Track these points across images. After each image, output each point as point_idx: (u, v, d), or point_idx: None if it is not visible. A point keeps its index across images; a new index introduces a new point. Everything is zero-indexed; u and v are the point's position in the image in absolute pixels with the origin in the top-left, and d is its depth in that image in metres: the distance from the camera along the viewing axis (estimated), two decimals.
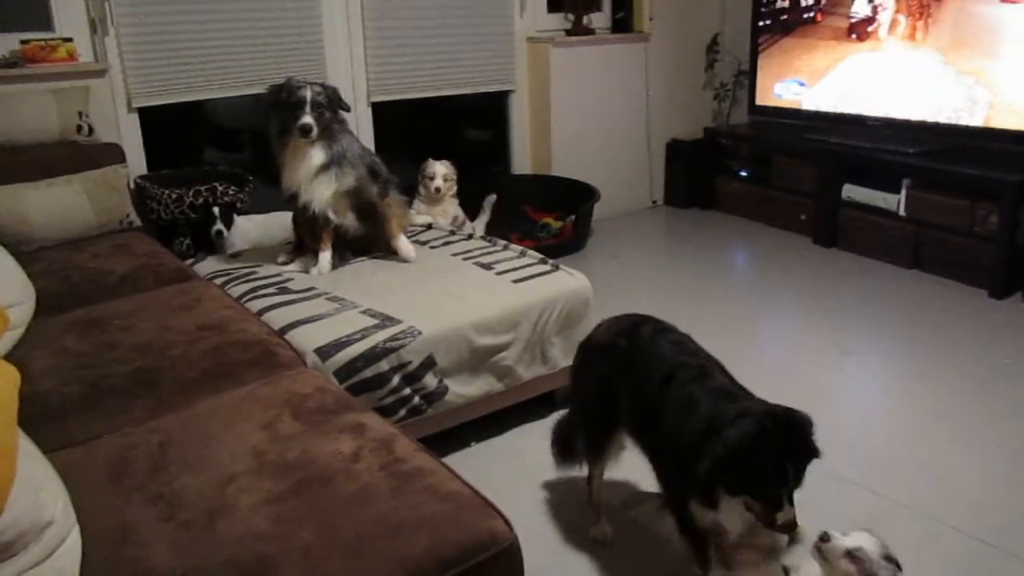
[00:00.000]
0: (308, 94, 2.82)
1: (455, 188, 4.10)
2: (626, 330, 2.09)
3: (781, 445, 1.66)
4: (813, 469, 1.74)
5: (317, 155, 2.87)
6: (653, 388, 1.90)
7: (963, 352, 3.30)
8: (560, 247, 4.29)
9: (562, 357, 2.78)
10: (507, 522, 1.50)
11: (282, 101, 2.84)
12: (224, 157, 4.28)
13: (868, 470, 2.53)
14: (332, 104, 2.90)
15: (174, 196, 3.38)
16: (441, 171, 4.02)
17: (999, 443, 2.68)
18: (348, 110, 3.01)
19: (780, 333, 3.62)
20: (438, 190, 4.01)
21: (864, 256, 4.42)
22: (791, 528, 1.71)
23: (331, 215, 2.94)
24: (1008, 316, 3.66)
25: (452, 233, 3.32)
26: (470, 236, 3.27)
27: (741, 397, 1.81)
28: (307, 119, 2.80)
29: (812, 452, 1.71)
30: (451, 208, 4.09)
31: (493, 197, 4.39)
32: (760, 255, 4.62)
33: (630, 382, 2.00)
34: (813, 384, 3.08)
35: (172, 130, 3.94)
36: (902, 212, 4.21)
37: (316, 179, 2.88)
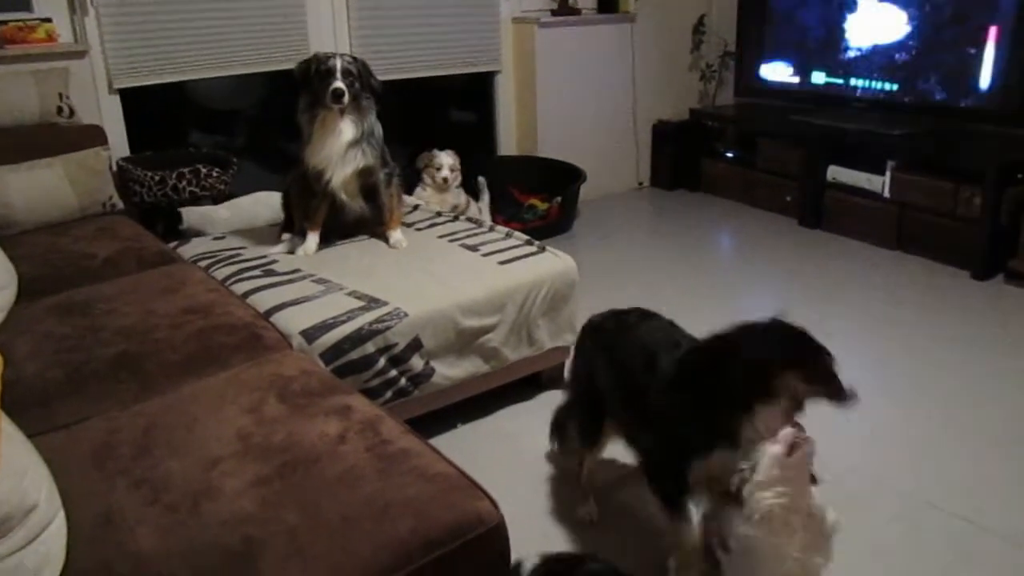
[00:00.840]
0: (339, 63, 2.80)
1: (459, 178, 4.12)
2: (621, 317, 2.11)
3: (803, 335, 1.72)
4: None
5: (348, 130, 2.86)
6: (639, 370, 1.90)
7: (945, 333, 3.33)
8: (546, 229, 4.29)
9: (548, 339, 2.78)
10: (493, 502, 1.50)
11: (312, 73, 2.82)
12: (208, 139, 4.25)
13: (849, 450, 2.55)
14: (362, 75, 2.88)
15: (157, 179, 3.35)
16: (447, 162, 4.05)
17: (980, 422, 2.71)
18: (379, 85, 2.97)
19: (765, 313, 3.63)
20: (445, 180, 4.03)
21: (848, 237, 4.45)
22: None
23: (342, 194, 2.93)
24: (990, 298, 3.70)
25: (438, 215, 3.31)
26: (478, 222, 3.24)
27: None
28: (339, 83, 2.77)
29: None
30: (452, 197, 4.09)
31: (482, 179, 4.38)
32: (746, 237, 4.64)
33: (616, 365, 2.01)
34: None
35: (155, 112, 3.90)
36: (886, 193, 4.23)
37: (345, 155, 2.88)
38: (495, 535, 1.47)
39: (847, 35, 4.46)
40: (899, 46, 4.23)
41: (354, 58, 2.87)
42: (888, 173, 4.20)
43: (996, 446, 2.59)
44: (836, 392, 1.68)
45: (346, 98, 2.79)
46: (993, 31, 3.85)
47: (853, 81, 4.49)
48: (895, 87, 4.29)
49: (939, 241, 4.04)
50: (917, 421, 2.72)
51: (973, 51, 3.93)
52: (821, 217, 4.60)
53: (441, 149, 4.10)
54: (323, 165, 2.88)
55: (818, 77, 4.66)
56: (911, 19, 4.16)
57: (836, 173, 4.45)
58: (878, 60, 4.34)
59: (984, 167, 3.77)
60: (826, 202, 4.55)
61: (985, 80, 3.92)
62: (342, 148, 2.87)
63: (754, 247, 4.44)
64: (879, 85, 4.36)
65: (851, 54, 4.47)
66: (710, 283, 3.86)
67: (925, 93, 4.18)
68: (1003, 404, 2.82)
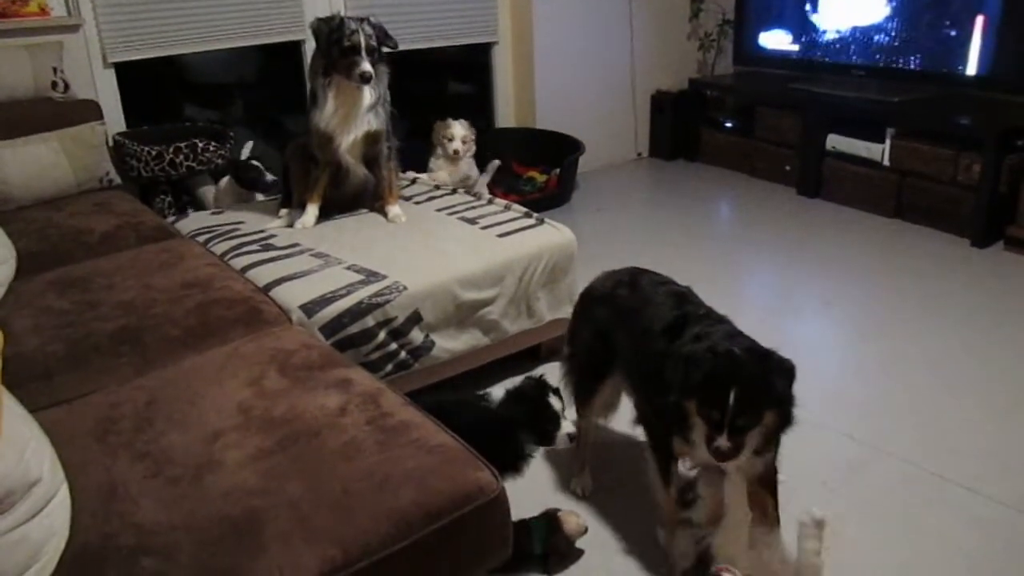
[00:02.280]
0: (362, 40, 2.74)
1: (473, 148, 4.06)
2: (626, 280, 2.12)
3: (732, 369, 1.65)
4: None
5: (366, 96, 2.84)
6: (655, 336, 1.90)
7: (945, 301, 3.34)
8: (545, 201, 4.27)
9: (547, 311, 2.79)
10: (493, 473, 1.51)
11: (332, 40, 2.77)
12: (204, 113, 4.22)
13: (849, 417, 2.57)
14: (380, 43, 2.84)
15: (154, 153, 3.33)
16: (460, 132, 3.98)
17: (979, 389, 2.72)
18: (396, 47, 2.92)
19: (764, 283, 3.64)
20: (456, 152, 3.97)
21: (848, 206, 4.44)
22: (722, 455, 1.68)
23: (347, 157, 2.92)
24: (989, 265, 3.70)
25: (436, 188, 3.30)
26: (477, 195, 3.23)
27: (739, 335, 1.81)
28: (367, 67, 2.73)
29: (766, 395, 1.67)
30: (464, 167, 4.04)
31: (496, 162, 4.32)
32: (745, 206, 4.63)
33: (629, 330, 2.03)
34: (796, 332, 3.11)
35: (150, 86, 3.87)
36: (886, 162, 4.22)
37: (359, 120, 2.87)
38: (495, 505, 1.48)
39: (846, 2, 4.42)
40: (898, 12, 4.19)
41: (372, 25, 2.81)
42: (887, 141, 4.18)
43: (995, 412, 2.60)
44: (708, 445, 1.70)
45: (373, 80, 2.78)
46: None
47: (852, 49, 4.45)
48: (894, 54, 4.26)
49: (938, 209, 4.03)
50: (916, 387, 2.74)
51: (972, 18, 3.89)
52: (820, 186, 4.58)
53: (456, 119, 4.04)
54: (334, 128, 2.86)
55: (816, 45, 4.62)
56: None
57: (835, 142, 4.43)
58: (877, 27, 4.30)
59: (983, 134, 3.76)
60: (825, 171, 4.53)
61: (984, 47, 3.88)
62: (358, 113, 2.85)
63: (753, 216, 4.43)
64: (878, 52, 4.32)
65: (850, 21, 4.42)
66: (709, 253, 3.86)
67: (924, 60, 4.14)
68: (1003, 371, 2.83)
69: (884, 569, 2.00)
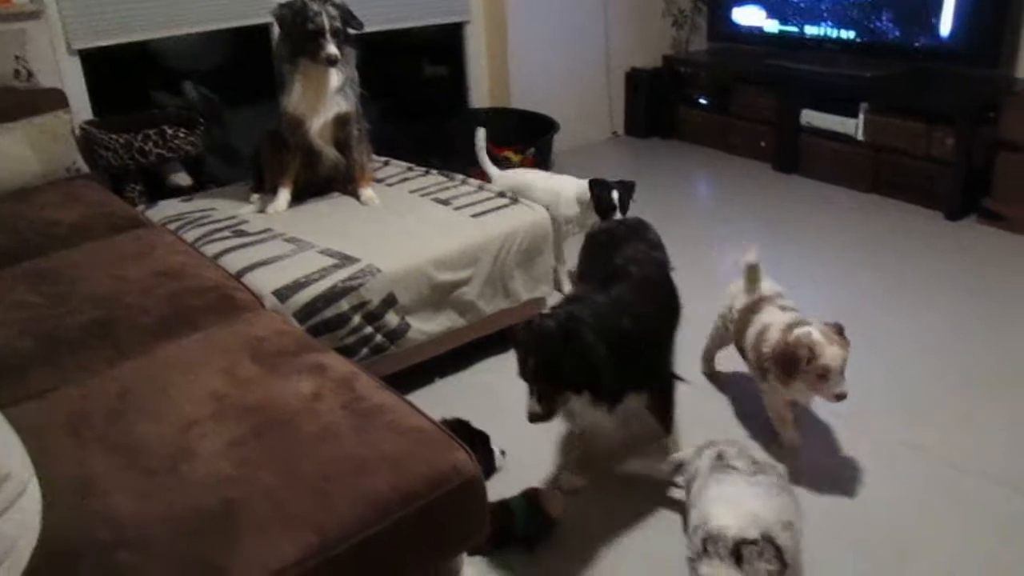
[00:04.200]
0: (326, 22, 2.71)
1: None
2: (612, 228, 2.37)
3: (534, 343, 1.85)
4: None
5: (333, 78, 2.84)
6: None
7: (920, 274, 3.36)
8: None
9: (524, 290, 2.78)
10: (470, 454, 1.51)
11: (296, 24, 2.74)
12: (173, 99, 4.16)
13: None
14: (345, 24, 2.81)
15: (122, 141, 3.29)
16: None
17: (955, 361, 2.75)
18: (362, 27, 2.89)
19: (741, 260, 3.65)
20: None
21: (824, 182, 4.45)
22: (531, 418, 1.87)
23: (317, 140, 2.90)
24: (963, 238, 3.73)
25: (409, 169, 3.27)
26: (449, 175, 3.19)
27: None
28: (332, 50, 2.72)
29: (561, 371, 1.82)
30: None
31: (482, 130, 4.21)
32: (721, 183, 4.63)
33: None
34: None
35: (117, 73, 3.81)
36: (860, 137, 4.23)
37: (328, 102, 2.85)
38: (472, 486, 1.48)
39: None
40: None
41: (335, 5, 2.78)
42: (861, 116, 4.19)
43: (972, 382, 2.63)
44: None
45: (340, 63, 2.76)
46: None
47: (826, 23, 4.45)
48: (868, 29, 4.26)
49: (913, 183, 4.06)
50: (893, 360, 2.76)
51: None
52: (796, 162, 4.59)
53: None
54: (303, 112, 2.84)
55: (790, 20, 4.62)
56: None
57: (810, 117, 4.44)
58: (850, 2, 4.30)
59: (956, 109, 3.78)
60: (801, 147, 4.54)
61: (954, 20, 3.90)
62: (326, 96, 2.83)
63: (729, 193, 4.44)
64: (851, 27, 4.33)
65: None
66: (686, 231, 3.86)
67: (897, 35, 4.15)
68: (977, 342, 2.86)
69: (857, 528, 2.02)
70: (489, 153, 4.45)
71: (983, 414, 2.47)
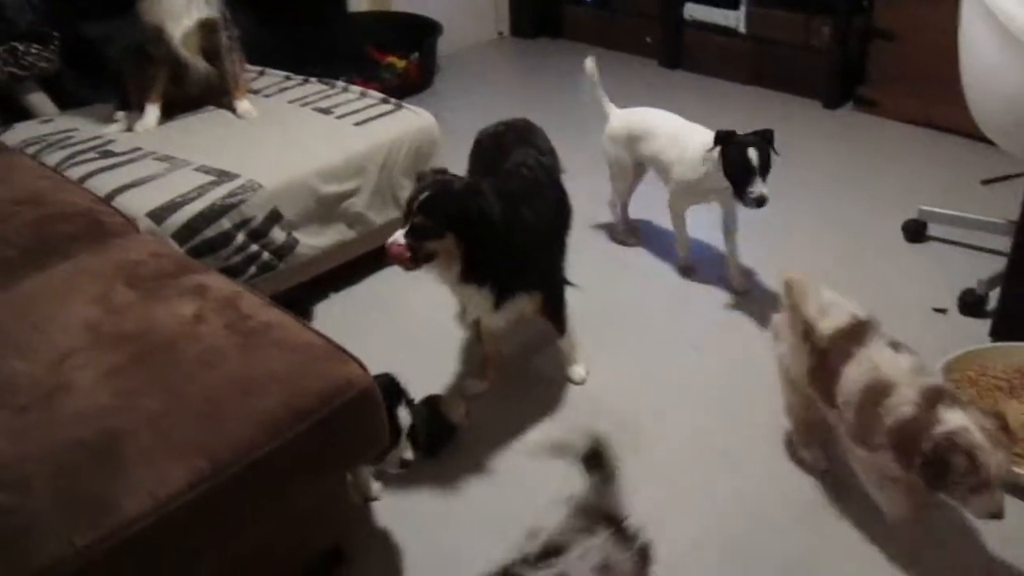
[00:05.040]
0: None
1: None
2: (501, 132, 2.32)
3: (431, 177, 1.90)
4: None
5: None
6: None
7: (800, 161, 3.45)
8: (407, 87, 4.13)
9: None
10: (362, 365, 1.49)
11: None
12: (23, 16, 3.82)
13: (714, 276, 2.65)
14: None
15: None
16: None
17: (833, 243, 2.86)
18: None
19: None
20: None
21: (708, 75, 4.48)
22: (391, 251, 1.82)
23: (184, 51, 2.71)
24: (840, 125, 3.84)
25: (287, 79, 3.12)
26: (330, 83, 3.07)
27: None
28: None
29: (450, 202, 1.82)
30: None
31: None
32: (609, 82, 4.58)
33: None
34: (660, 197, 3.16)
35: None
36: (742, 29, 4.25)
37: (187, 6, 2.66)
38: (366, 397, 1.46)
39: None
40: None
41: None
42: (743, 8, 4.21)
43: (849, 261, 2.75)
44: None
45: None
46: None
47: None
48: None
49: (793, 74, 4.13)
50: (776, 246, 2.85)
51: None
52: (681, 57, 4.60)
53: None
54: (162, 19, 2.65)
55: None
56: None
57: (692, 11, 4.42)
58: None
59: None
60: (685, 42, 4.54)
61: None
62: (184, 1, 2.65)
63: (618, 91, 4.36)
64: None
65: None
66: (576, 132, 3.84)
67: None
68: (854, 223, 2.98)
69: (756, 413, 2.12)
70: (370, 59, 4.32)
71: (866, 288, 2.59)
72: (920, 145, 3.60)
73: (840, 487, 1.90)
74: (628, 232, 2.94)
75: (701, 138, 2.49)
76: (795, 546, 1.79)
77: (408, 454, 1.72)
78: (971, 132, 2.84)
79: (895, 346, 1.69)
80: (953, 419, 1.49)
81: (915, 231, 2.90)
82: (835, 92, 3.96)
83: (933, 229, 2.90)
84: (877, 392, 1.60)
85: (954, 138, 3.52)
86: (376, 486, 1.93)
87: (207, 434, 1.34)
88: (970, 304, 2.47)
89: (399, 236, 1.81)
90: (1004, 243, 2.36)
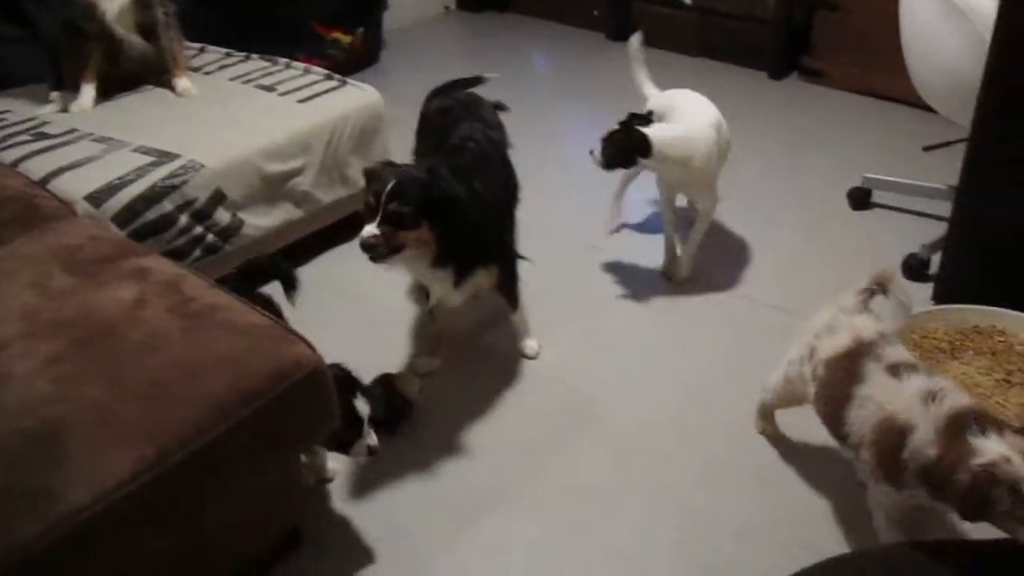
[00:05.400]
0: None
1: None
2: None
3: (388, 168, 1.89)
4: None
5: None
6: None
7: (746, 132, 3.46)
8: (353, 63, 4.06)
9: (362, 177, 2.68)
10: (310, 346, 1.47)
11: None
12: None
13: (658, 249, 2.66)
14: None
15: None
16: None
17: (776, 209, 2.90)
18: None
19: (581, 131, 3.66)
20: None
21: (656, 48, 4.43)
22: (366, 245, 1.80)
23: (117, 27, 2.62)
24: (785, 95, 3.88)
25: (228, 56, 3.04)
26: (272, 60, 2.98)
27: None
28: None
29: (416, 190, 1.80)
30: None
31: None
32: (558, 57, 4.59)
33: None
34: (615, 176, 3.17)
35: None
36: (688, 1, 4.26)
37: None
38: (315, 377, 1.44)
39: None
40: None
41: None
42: None
43: (794, 228, 2.78)
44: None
45: None
46: None
47: None
48: None
49: (739, 45, 4.15)
50: (724, 211, 2.86)
51: None
52: (628, 30, 4.55)
53: None
54: None
55: None
56: None
57: None
58: None
59: None
60: (632, 14, 4.53)
61: None
62: None
63: (567, 66, 4.41)
64: None
65: None
66: (525, 106, 3.81)
67: None
68: (799, 194, 3.02)
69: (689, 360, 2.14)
70: (315, 35, 4.23)
71: (797, 259, 2.63)
72: (864, 114, 3.65)
73: (796, 454, 1.94)
74: (615, 213, 2.89)
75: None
76: (751, 511, 1.82)
77: (372, 440, 1.70)
78: (913, 100, 2.88)
79: (894, 369, 1.52)
80: (989, 448, 1.32)
81: (860, 198, 2.94)
82: (780, 63, 3.99)
83: (877, 196, 2.95)
84: (892, 434, 1.45)
85: (897, 106, 3.58)
86: (332, 467, 1.91)
87: (152, 420, 1.31)
88: (913, 268, 2.52)
89: (372, 229, 1.78)
90: (946, 208, 2.41)
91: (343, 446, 1.70)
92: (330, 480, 1.91)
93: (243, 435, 1.36)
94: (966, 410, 1.40)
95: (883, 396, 1.48)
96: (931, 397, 1.43)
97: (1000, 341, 2.08)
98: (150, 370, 1.38)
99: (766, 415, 1.98)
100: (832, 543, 1.72)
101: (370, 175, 1.89)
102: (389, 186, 1.78)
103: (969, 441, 1.33)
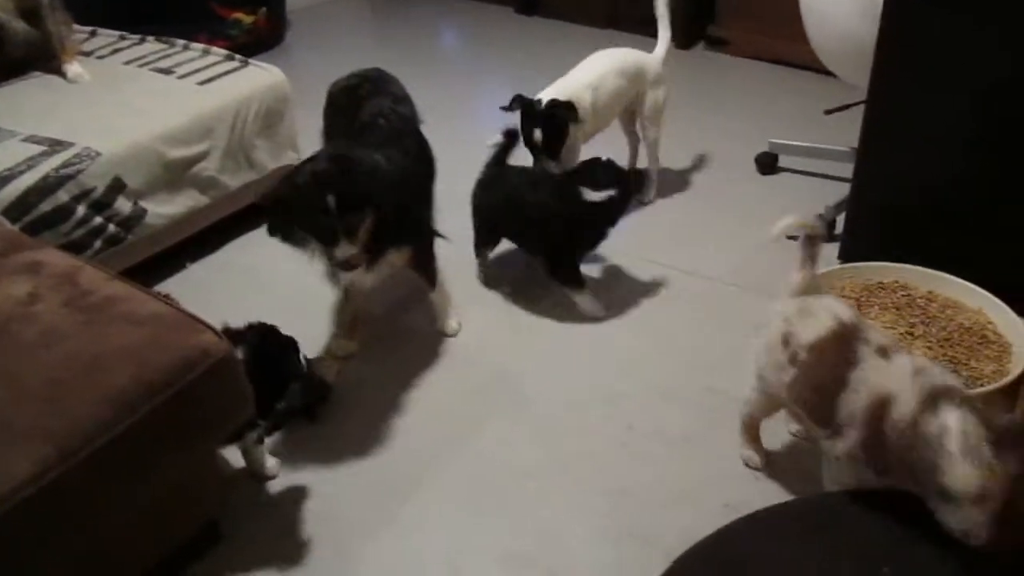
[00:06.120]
0: None
1: None
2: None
3: (323, 179, 1.73)
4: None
5: None
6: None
7: None
8: (256, 44, 3.96)
9: (270, 159, 2.63)
10: (217, 334, 1.43)
11: None
12: None
13: None
14: None
15: None
16: None
17: (687, 180, 2.94)
18: None
19: (493, 105, 3.64)
20: None
21: (564, 21, 4.48)
22: (349, 264, 1.79)
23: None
24: (692, 64, 3.93)
25: (121, 39, 2.91)
26: (169, 42, 2.86)
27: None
28: None
29: (354, 194, 1.74)
30: None
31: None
32: (467, 31, 4.55)
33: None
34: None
35: None
36: None
37: None
38: (223, 366, 1.40)
39: None
40: None
41: None
42: None
43: (709, 198, 2.83)
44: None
45: None
46: None
47: None
48: None
49: (646, 16, 4.16)
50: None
51: None
52: (537, 3, 4.58)
53: None
54: None
55: None
56: None
57: None
58: None
59: None
60: None
61: None
62: None
63: (478, 41, 4.38)
64: None
65: None
66: (438, 83, 3.78)
67: None
68: (710, 162, 3.08)
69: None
70: (215, 16, 4.09)
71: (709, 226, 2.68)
72: (769, 80, 3.73)
73: (716, 422, 1.95)
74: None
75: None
76: (678, 480, 1.83)
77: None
78: (816, 66, 2.94)
79: (883, 351, 1.44)
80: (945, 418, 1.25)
81: (767, 163, 3.01)
82: (687, 32, 4.04)
83: (784, 160, 3.02)
84: (881, 412, 1.36)
85: (801, 72, 3.66)
86: (272, 463, 1.85)
87: (51, 418, 1.25)
88: None
89: (348, 249, 1.76)
90: (849, 170, 2.47)
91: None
92: (272, 478, 1.84)
93: (150, 429, 1.31)
94: (948, 386, 1.33)
95: (878, 378, 1.40)
96: (918, 373, 1.37)
97: (903, 296, 2.15)
98: (47, 367, 1.33)
99: (751, 432, 1.84)
100: (761, 502, 1.75)
101: (296, 188, 1.76)
102: (330, 196, 1.70)
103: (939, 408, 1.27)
